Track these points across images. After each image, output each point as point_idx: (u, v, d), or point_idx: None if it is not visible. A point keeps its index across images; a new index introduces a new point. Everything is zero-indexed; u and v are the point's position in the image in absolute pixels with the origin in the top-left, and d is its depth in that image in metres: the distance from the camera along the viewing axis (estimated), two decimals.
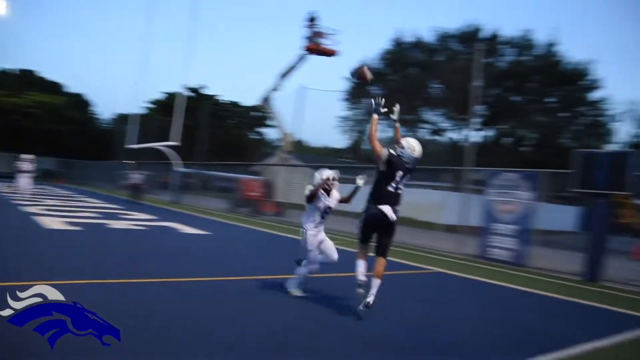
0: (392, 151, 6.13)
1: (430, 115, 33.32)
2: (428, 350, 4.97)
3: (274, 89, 26.03)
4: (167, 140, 27.46)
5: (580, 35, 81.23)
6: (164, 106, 46.23)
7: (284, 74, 25.71)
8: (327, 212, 6.67)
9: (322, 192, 6.58)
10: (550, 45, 30.42)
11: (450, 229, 17.44)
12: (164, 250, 9.95)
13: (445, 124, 33.79)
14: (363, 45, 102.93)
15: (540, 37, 36.40)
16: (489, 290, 9.28)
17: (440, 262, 12.42)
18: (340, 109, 41.25)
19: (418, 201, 28.65)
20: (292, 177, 23.88)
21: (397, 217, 6.03)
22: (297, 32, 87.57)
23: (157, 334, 4.56)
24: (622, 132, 45.60)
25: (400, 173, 6.03)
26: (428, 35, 32.96)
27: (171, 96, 43.76)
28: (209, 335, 4.64)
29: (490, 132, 34.87)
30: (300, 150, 53.76)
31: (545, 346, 5.37)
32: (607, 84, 74.65)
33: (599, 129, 33.21)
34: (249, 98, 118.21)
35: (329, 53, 25.15)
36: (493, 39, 30.19)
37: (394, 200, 6.05)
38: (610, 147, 32.38)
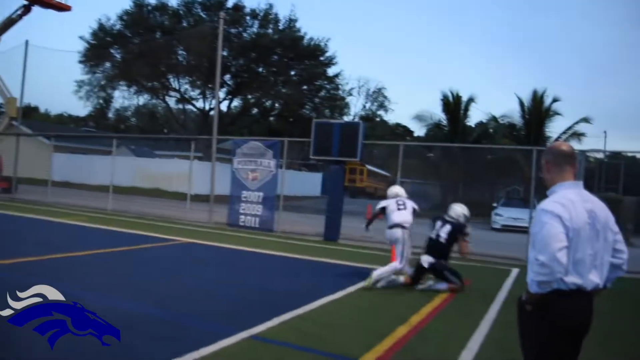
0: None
1: (176, 83, 32.39)
2: (161, 321, 4.77)
3: None
4: None
5: (315, 13, 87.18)
6: None
7: (3, 27, 22.09)
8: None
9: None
10: (291, 20, 31.88)
11: (201, 198, 17.31)
12: None
13: (193, 92, 33.27)
14: (100, 2, 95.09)
15: (282, 11, 38.12)
16: (239, 257, 9.40)
17: (192, 232, 12.20)
18: (78, 72, 37.58)
19: (167, 171, 28.01)
20: (22, 148, 21.07)
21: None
22: None
23: None
24: (355, 105, 50.80)
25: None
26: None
27: None
28: None
29: (237, 102, 35.52)
30: (31, 117, 47.90)
31: (289, 305, 5.54)
32: (342, 60, 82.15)
33: (336, 102, 36.15)
34: None
35: (60, 7, 22.39)
36: (237, 9, 30.40)
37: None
38: (344, 119, 35.71)
